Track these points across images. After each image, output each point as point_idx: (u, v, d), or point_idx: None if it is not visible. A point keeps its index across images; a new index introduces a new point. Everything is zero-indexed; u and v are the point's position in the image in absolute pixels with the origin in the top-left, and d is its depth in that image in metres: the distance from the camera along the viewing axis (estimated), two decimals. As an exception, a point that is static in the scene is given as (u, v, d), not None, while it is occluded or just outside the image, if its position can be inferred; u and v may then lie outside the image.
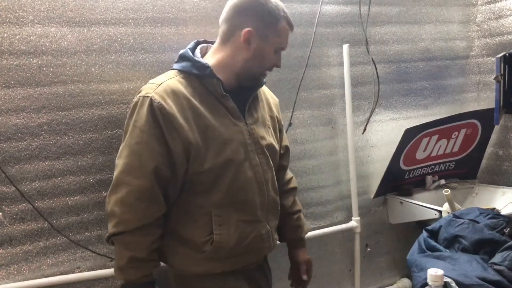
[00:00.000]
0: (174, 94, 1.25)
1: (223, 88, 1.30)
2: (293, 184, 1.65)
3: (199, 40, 1.44)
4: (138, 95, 1.27)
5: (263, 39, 1.30)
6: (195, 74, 1.30)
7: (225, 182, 1.30)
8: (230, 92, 1.33)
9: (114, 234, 1.25)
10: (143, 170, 1.22)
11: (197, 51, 1.37)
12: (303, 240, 1.64)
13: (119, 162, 1.26)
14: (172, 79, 1.29)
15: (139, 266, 1.26)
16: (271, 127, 1.48)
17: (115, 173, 1.26)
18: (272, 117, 1.50)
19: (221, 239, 1.29)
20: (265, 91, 1.54)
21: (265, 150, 1.39)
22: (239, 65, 1.32)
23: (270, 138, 1.43)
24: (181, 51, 1.36)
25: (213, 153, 1.27)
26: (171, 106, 1.23)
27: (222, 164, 1.28)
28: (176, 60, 1.37)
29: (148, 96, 1.23)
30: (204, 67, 1.29)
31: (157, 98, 1.22)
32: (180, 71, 1.32)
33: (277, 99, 1.60)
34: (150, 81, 1.32)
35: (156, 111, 1.21)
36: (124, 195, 1.23)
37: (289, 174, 1.66)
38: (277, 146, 1.48)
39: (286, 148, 1.62)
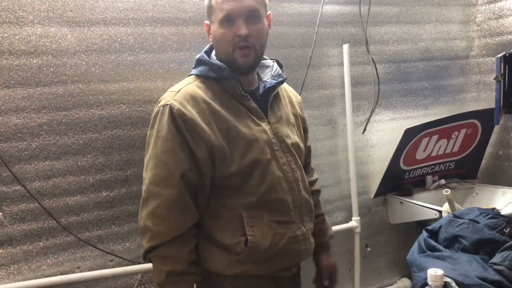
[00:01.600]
0: (193, 99, 1.22)
1: (242, 88, 1.28)
2: (317, 186, 1.60)
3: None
4: (158, 105, 1.24)
5: (211, 23, 1.28)
6: (213, 77, 1.27)
7: (253, 183, 1.25)
8: (250, 92, 1.30)
9: (149, 249, 1.20)
10: (171, 179, 1.19)
11: (213, 53, 1.32)
12: (327, 245, 1.57)
13: (146, 174, 1.23)
14: (190, 85, 1.27)
15: (178, 280, 1.21)
16: (295, 126, 1.43)
17: (144, 186, 1.23)
18: (295, 115, 1.45)
19: (255, 240, 1.24)
20: (287, 89, 1.49)
21: (291, 148, 1.34)
22: (219, 58, 1.29)
23: (295, 137, 1.38)
24: (197, 56, 1.33)
25: (238, 155, 1.23)
26: (191, 111, 1.20)
27: (248, 165, 1.24)
28: (193, 66, 1.34)
29: (167, 104, 1.20)
30: (221, 68, 1.25)
31: (176, 105, 1.20)
32: (198, 76, 1.30)
33: (299, 97, 1.53)
34: (169, 89, 1.29)
35: (177, 118, 1.19)
36: (155, 207, 1.19)
37: (314, 176, 1.61)
38: (302, 145, 1.42)
39: (309, 148, 1.58)
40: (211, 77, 1.28)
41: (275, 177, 1.27)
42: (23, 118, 1.54)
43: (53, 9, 1.55)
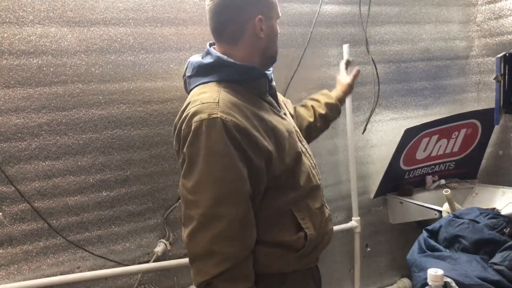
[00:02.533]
0: (236, 106, 1.13)
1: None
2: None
3: (210, 42, 1.33)
4: (197, 119, 1.10)
5: (269, 18, 1.24)
6: (238, 79, 1.21)
7: (297, 177, 1.24)
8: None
9: (219, 274, 1.09)
10: (239, 195, 1.11)
11: (215, 51, 1.26)
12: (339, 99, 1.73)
13: (201, 197, 1.09)
14: (222, 92, 1.16)
15: None
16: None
17: (198, 210, 1.09)
18: (284, 100, 1.52)
19: (311, 232, 1.24)
20: None
21: (303, 137, 1.39)
22: (260, 54, 1.25)
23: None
24: (207, 60, 1.23)
25: (284, 153, 1.21)
26: (241, 120, 1.11)
27: (293, 161, 1.23)
28: (197, 72, 1.24)
29: (216, 117, 1.08)
30: (251, 69, 1.21)
31: (227, 116, 1.09)
32: (219, 81, 1.20)
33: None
34: (199, 100, 1.14)
35: (232, 130, 1.09)
36: (224, 228, 1.08)
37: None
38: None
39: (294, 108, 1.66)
40: (235, 80, 1.21)
41: (306, 166, 1.29)
42: (23, 118, 1.54)
43: (53, 9, 1.55)
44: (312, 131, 1.67)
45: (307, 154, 1.34)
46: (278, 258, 1.24)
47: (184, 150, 1.12)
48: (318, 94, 1.74)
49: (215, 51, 1.24)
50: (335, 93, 1.75)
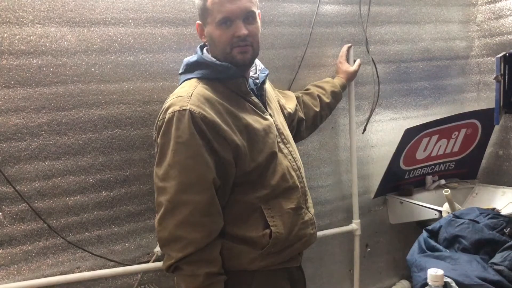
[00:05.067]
0: (208, 101, 1.22)
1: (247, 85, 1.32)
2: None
3: (201, 45, 1.41)
4: (169, 111, 1.21)
5: (205, 24, 1.30)
6: (217, 77, 1.28)
7: (269, 176, 1.29)
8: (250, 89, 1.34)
9: (183, 258, 1.17)
10: (203, 184, 1.18)
11: (205, 54, 1.34)
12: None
13: (168, 184, 1.18)
14: (199, 87, 1.25)
15: (216, 281, 1.21)
16: (283, 114, 1.50)
17: (166, 196, 1.18)
18: (279, 100, 1.53)
19: (277, 230, 1.27)
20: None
21: (289, 139, 1.41)
22: (218, 57, 1.30)
23: (286, 127, 1.45)
24: (193, 59, 1.32)
25: (256, 150, 1.27)
26: (210, 113, 1.19)
27: (266, 159, 1.28)
28: (185, 69, 1.33)
29: (185, 109, 1.18)
30: (228, 68, 1.27)
31: (195, 108, 1.18)
32: (200, 78, 1.29)
33: (271, 83, 1.61)
34: (176, 94, 1.26)
35: (199, 123, 1.17)
36: (187, 215, 1.16)
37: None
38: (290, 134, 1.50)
39: (298, 100, 1.73)
40: (214, 78, 1.28)
41: (284, 167, 1.32)
42: (23, 118, 1.54)
43: (53, 9, 1.55)
44: (317, 120, 1.79)
45: (289, 156, 1.37)
46: (241, 254, 1.28)
47: (158, 140, 1.22)
48: (323, 82, 1.79)
49: (202, 51, 1.34)
50: (339, 80, 1.81)
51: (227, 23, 1.25)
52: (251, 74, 1.41)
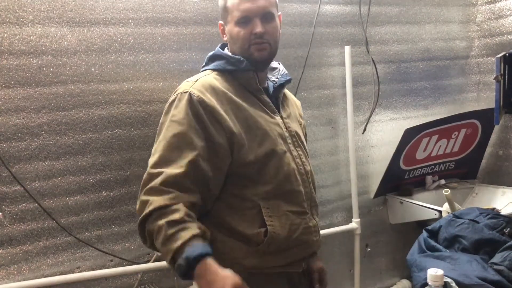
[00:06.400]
0: (212, 88, 1.27)
1: (258, 82, 1.34)
2: None
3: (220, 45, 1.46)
4: (175, 94, 1.27)
5: (226, 23, 1.35)
6: (230, 70, 1.33)
7: (270, 173, 1.29)
8: (263, 88, 1.37)
9: (147, 216, 1.13)
10: (179, 161, 1.17)
11: (226, 51, 1.40)
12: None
13: (152, 159, 1.21)
14: (208, 76, 1.32)
15: (182, 228, 1.11)
16: (301, 125, 1.50)
17: (147, 169, 1.20)
18: (300, 115, 1.54)
19: (274, 230, 1.27)
20: (289, 93, 1.56)
21: (301, 144, 1.41)
22: (236, 53, 1.35)
23: (302, 135, 1.46)
24: (210, 53, 1.39)
25: (255, 143, 1.28)
26: (210, 99, 1.24)
27: (265, 155, 1.28)
28: (205, 63, 1.40)
29: (186, 92, 1.24)
30: (240, 61, 1.32)
31: (196, 92, 1.23)
32: (214, 69, 1.35)
33: (299, 101, 1.60)
34: (186, 80, 1.33)
35: (196, 105, 1.22)
36: (155, 183, 1.15)
37: None
38: (305, 143, 1.49)
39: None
40: (228, 70, 1.33)
41: (290, 168, 1.32)
42: (23, 118, 1.54)
43: (53, 9, 1.55)
44: None
45: (298, 159, 1.37)
46: (234, 248, 1.27)
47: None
48: None
49: (221, 47, 1.40)
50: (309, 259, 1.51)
51: (246, 22, 1.31)
52: (272, 78, 1.44)
